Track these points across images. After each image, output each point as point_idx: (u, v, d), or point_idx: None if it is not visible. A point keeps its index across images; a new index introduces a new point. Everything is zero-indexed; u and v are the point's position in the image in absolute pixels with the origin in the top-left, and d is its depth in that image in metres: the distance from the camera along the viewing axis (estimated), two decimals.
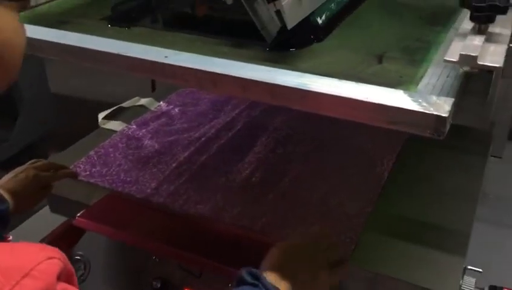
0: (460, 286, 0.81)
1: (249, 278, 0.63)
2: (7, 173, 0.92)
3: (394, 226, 0.85)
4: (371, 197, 0.90)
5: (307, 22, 0.76)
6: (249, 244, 0.84)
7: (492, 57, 0.53)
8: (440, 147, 1.07)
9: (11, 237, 0.44)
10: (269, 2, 0.68)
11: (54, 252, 0.38)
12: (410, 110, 0.53)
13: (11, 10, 0.40)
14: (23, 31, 0.41)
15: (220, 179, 0.97)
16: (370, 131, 1.07)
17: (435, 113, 0.51)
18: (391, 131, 1.05)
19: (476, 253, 1.06)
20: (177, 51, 0.67)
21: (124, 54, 0.66)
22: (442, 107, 0.52)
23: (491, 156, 1.33)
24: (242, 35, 0.77)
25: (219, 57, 0.67)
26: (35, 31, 0.75)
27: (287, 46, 0.75)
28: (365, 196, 0.91)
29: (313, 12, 0.77)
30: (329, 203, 0.90)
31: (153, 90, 1.60)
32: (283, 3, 0.68)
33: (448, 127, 0.53)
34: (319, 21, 0.78)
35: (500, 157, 1.35)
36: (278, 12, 0.69)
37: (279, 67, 0.66)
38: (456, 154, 1.04)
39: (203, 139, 1.09)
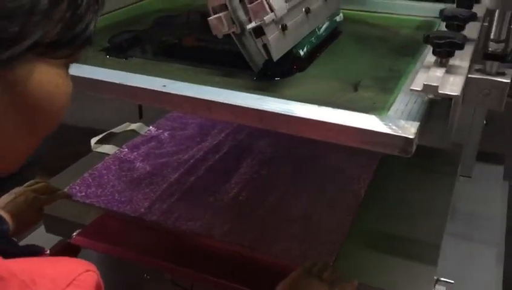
0: None
1: None
2: None
3: (371, 239, 0.92)
4: (350, 213, 0.98)
5: (290, 54, 0.84)
6: (238, 259, 0.91)
7: (451, 87, 0.61)
8: (414, 167, 1.15)
9: (48, 251, 0.49)
10: (257, 37, 0.76)
11: (90, 266, 0.42)
12: (381, 132, 0.60)
13: (56, 66, 0.42)
14: (67, 85, 0.43)
15: (209, 198, 1.03)
16: (348, 153, 1.16)
17: (403, 135, 0.59)
18: (367, 153, 1.14)
19: (448, 265, 1.13)
20: (173, 81, 0.74)
21: (126, 84, 0.73)
22: (409, 130, 0.60)
23: (461, 175, 1.43)
24: (230, 64, 0.84)
25: (211, 85, 0.74)
26: None
27: (272, 76, 0.83)
28: (344, 212, 0.98)
29: (295, 45, 0.85)
30: (311, 218, 0.97)
31: (140, 117, 1.67)
32: (269, 38, 0.76)
33: (414, 147, 0.60)
34: (301, 53, 0.86)
35: (470, 177, 1.44)
36: (265, 46, 0.77)
37: (266, 95, 0.73)
38: (427, 174, 1.12)
39: (191, 161, 1.15)
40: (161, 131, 1.30)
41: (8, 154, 0.43)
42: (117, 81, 0.74)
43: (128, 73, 0.77)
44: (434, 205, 1.01)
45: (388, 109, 0.67)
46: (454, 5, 0.85)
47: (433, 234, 0.93)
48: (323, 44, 0.95)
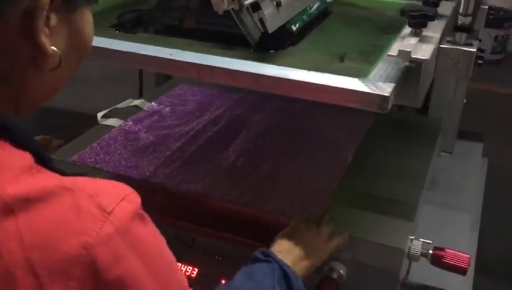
0: (409, 248, 0.98)
1: (261, 256, 0.81)
2: None
3: (356, 199, 1.02)
4: (337, 177, 1.08)
5: (284, 29, 0.93)
6: (233, 215, 1.00)
7: (422, 52, 0.71)
8: (397, 138, 1.25)
9: None
10: (253, 11, 0.86)
11: (133, 190, 0.51)
12: (361, 91, 0.70)
13: (89, 10, 0.55)
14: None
15: (209, 164, 1.12)
16: (338, 126, 1.25)
17: (380, 93, 0.69)
18: (355, 126, 1.23)
19: (427, 230, 1.23)
20: (179, 50, 0.83)
21: (139, 52, 0.82)
22: (385, 89, 0.69)
23: (443, 151, 1.53)
24: (229, 42, 0.93)
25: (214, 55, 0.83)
26: None
27: (267, 48, 0.92)
28: (332, 176, 1.08)
29: (288, 21, 0.94)
30: (302, 182, 1.06)
31: (140, 95, 1.76)
32: (265, 12, 0.85)
33: (390, 104, 0.70)
34: (294, 28, 0.95)
35: (451, 153, 1.54)
36: (261, 20, 0.86)
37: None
38: (408, 144, 1.22)
39: (191, 132, 1.24)
40: (162, 106, 1.39)
41: (64, 79, 0.55)
42: (131, 50, 0.83)
43: (139, 44, 0.86)
44: (413, 171, 1.11)
45: (369, 75, 0.76)
46: None
47: (411, 195, 1.03)
48: (314, 22, 1.04)
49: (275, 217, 0.97)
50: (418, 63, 0.71)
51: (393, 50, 0.72)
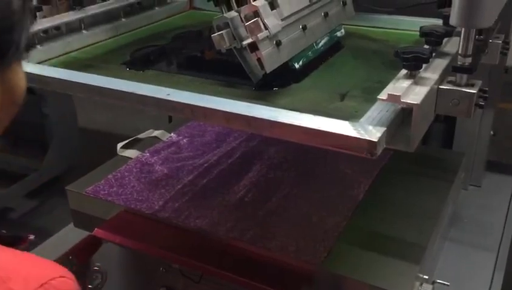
0: None
1: None
2: (35, 201, 1.07)
3: (363, 238, 0.99)
4: (346, 215, 1.05)
5: (286, 67, 0.93)
6: (238, 253, 0.99)
7: (413, 96, 0.68)
8: (414, 173, 1.21)
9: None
10: (251, 52, 0.86)
11: (67, 272, 0.46)
12: (349, 136, 0.68)
13: (20, 65, 0.56)
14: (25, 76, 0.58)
15: (217, 199, 1.12)
16: (350, 160, 1.23)
17: (367, 138, 0.66)
18: (370, 161, 1.20)
19: (448, 270, 1.18)
20: (176, 90, 0.84)
21: (136, 92, 0.83)
22: (374, 134, 0.67)
23: (471, 185, 1.47)
24: (236, 75, 0.93)
25: (213, 95, 0.83)
26: (66, 74, 0.94)
27: (269, 86, 0.92)
28: (341, 214, 1.05)
29: (292, 58, 0.94)
30: (309, 219, 1.04)
31: (170, 121, 1.80)
32: (263, 53, 0.85)
33: (379, 149, 0.67)
34: (296, 66, 0.95)
35: (479, 186, 1.48)
36: (259, 60, 0.86)
37: (261, 103, 0.82)
38: (425, 180, 1.17)
39: (205, 165, 1.25)
40: (181, 138, 1.40)
41: None
42: (129, 90, 0.84)
43: (139, 83, 0.87)
44: (426, 209, 1.06)
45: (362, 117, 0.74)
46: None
47: (420, 236, 0.99)
48: (322, 57, 1.03)
49: (278, 256, 0.96)
50: (409, 107, 0.68)
51: (384, 93, 0.70)
